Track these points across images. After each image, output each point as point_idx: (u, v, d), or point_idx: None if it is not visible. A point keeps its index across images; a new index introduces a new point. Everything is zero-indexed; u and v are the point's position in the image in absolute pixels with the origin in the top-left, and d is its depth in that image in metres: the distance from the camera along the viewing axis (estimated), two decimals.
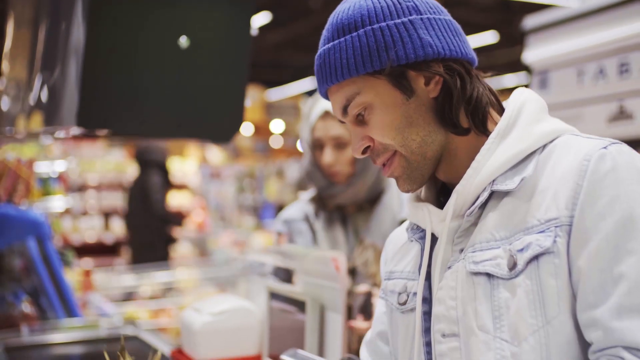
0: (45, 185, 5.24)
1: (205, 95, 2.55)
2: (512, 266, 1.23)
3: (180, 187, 9.89)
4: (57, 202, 5.74)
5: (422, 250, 1.41)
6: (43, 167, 5.44)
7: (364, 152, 1.39)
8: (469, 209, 1.32)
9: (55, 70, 2.61)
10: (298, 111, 16.32)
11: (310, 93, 18.51)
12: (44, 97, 2.74)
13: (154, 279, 5.36)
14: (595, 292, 1.16)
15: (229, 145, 17.19)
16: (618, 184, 1.18)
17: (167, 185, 7.83)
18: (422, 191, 1.46)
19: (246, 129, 19.91)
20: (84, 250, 8.44)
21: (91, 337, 3.92)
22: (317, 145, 2.52)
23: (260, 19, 9.50)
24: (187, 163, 10.23)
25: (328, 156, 2.47)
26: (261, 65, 15.79)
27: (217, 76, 2.55)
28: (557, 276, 1.20)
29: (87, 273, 4.96)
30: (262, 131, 19.58)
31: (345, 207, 2.59)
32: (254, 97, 15.25)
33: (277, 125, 19.24)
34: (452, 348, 1.31)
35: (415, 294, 1.43)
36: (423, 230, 1.43)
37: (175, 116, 2.53)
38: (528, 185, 1.27)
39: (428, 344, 1.36)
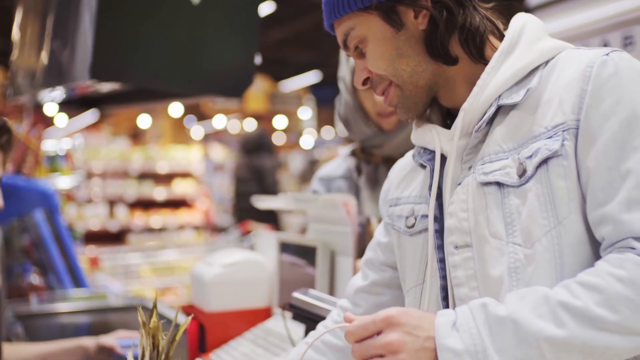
0: (53, 163, 5.27)
1: (216, 50, 2.58)
2: (522, 173, 1.27)
3: (185, 175, 9.92)
4: (64, 180, 5.76)
5: (432, 170, 1.45)
6: (50, 146, 5.47)
7: (364, 84, 1.48)
8: (476, 125, 1.37)
9: (68, 25, 2.64)
10: (301, 101, 16.34)
11: (314, 86, 18.54)
12: (58, 52, 2.77)
13: (160, 257, 5.39)
14: (604, 190, 1.19)
15: (232, 140, 17.26)
16: (621, 86, 1.23)
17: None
18: (430, 116, 1.51)
19: (249, 125, 19.97)
20: (89, 237, 8.45)
21: (99, 306, 3.94)
22: None
23: (265, 9, 9.49)
24: (191, 151, 10.26)
25: (370, 93, 2.23)
26: (264, 62, 15.81)
27: (227, 32, 2.58)
28: (566, 177, 1.24)
29: (93, 248, 4.97)
30: (265, 126, 19.61)
31: (394, 158, 2.35)
32: (258, 88, 15.27)
33: (280, 122, 19.28)
34: (465, 258, 1.34)
35: (423, 216, 1.48)
36: (431, 152, 1.47)
37: (186, 71, 2.57)
38: (533, 98, 1.32)
39: (441, 260, 1.40)
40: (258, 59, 2.65)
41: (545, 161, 1.25)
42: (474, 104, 1.36)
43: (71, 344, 2.35)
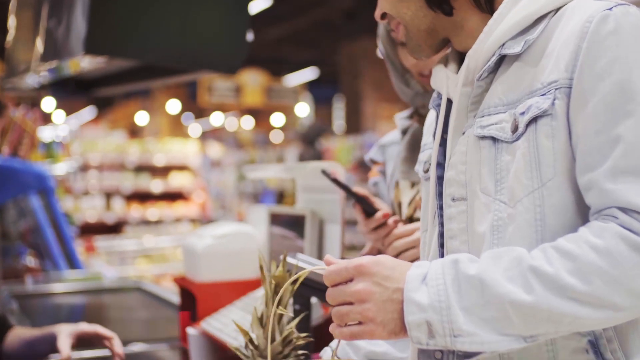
0: (49, 150, 5.32)
1: (208, 26, 2.62)
2: (514, 129, 1.23)
3: (181, 167, 9.97)
4: (60, 167, 5.81)
5: (437, 116, 1.43)
6: (46, 133, 5.51)
7: (382, 18, 1.45)
8: (479, 73, 1.32)
9: (63, 3, 2.69)
10: (298, 95, 16.38)
11: (311, 85, 18.61)
12: (54, 30, 2.82)
13: (155, 244, 5.42)
14: (592, 155, 1.15)
15: (229, 137, 17.31)
16: (619, 45, 1.15)
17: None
18: (448, 60, 1.46)
19: (247, 122, 20.04)
20: (85, 229, 8.49)
21: (94, 287, 3.98)
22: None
23: (261, 4, 9.54)
24: (188, 144, 10.31)
25: (406, 53, 2.07)
26: (262, 60, 15.85)
27: (220, 7, 2.63)
28: (553, 138, 1.19)
29: (89, 240, 5.02)
30: (262, 124, 19.68)
31: None
32: (255, 82, 15.30)
33: (277, 119, 19.34)
34: (460, 211, 1.32)
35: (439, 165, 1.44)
36: (442, 97, 1.44)
37: (179, 45, 2.61)
38: (536, 49, 1.26)
39: (441, 208, 1.38)
40: (250, 36, 2.69)
41: (534, 119, 1.21)
42: (479, 51, 1.31)
43: (47, 332, 2.29)
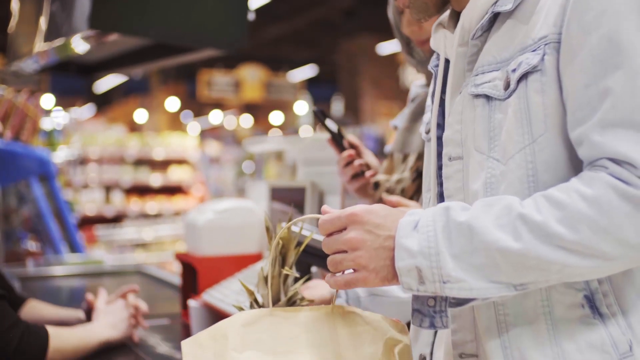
0: (50, 138, 5.35)
1: (210, 4, 2.66)
2: (506, 86, 1.23)
3: (181, 161, 10.00)
4: (61, 154, 5.84)
5: (436, 76, 1.44)
6: (47, 122, 5.54)
7: None
8: (473, 32, 1.31)
9: None
10: (297, 91, 16.40)
11: (310, 84, 18.64)
12: (57, 12, 2.85)
13: (156, 232, 5.46)
14: (582, 108, 1.14)
15: (228, 136, 17.32)
16: None
17: None
18: (447, 21, 1.45)
19: (245, 120, 20.06)
20: (85, 222, 8.52)
21: (94, 270, 4.01)
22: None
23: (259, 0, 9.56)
24: (187, 138, 10.34)
25: (405, 21, 2.11)
26: (260, 58, 15.90)
27: None
28: (543, 93, 1.19)
29: (90, 230, 5.05)
30: (261, 122, 19.71)
31: None
32: (254, 77, 15.33)
33: (276, 117, 19.37)
34: (456, 170, 1.32)
35: (438, 125, 1.45)
36: (445, 61, 1.44)
37: (182, 23, 2.65)
38: (528, 6, 1.25)
39: (440, 168, 1.38)
40: (251, 15, 2.73)
41: (525, 76, 1.20)
42: (473, 10, 1.31)
43: (69, 314, 2.39)
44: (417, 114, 2.17)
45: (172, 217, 9.49)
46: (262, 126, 19.51)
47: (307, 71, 17.78)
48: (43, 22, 3.11)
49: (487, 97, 1.26)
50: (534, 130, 1.19)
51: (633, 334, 1.18)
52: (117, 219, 9.19)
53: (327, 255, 1.24)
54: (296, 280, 1.57)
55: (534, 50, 1.20)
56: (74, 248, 4.24)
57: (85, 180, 9.02)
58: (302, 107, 18.05)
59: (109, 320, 2.19)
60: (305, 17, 14.09)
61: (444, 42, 1.41)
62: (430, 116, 1.48)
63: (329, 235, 1.21)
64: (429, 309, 1.20)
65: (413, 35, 2.10)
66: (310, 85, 19.05)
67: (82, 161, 9.01)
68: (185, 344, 1.24)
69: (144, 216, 9.36)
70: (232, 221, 2.61)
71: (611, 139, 1.10)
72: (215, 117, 19.65)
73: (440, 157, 1.38)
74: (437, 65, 1.45)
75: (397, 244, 1.15)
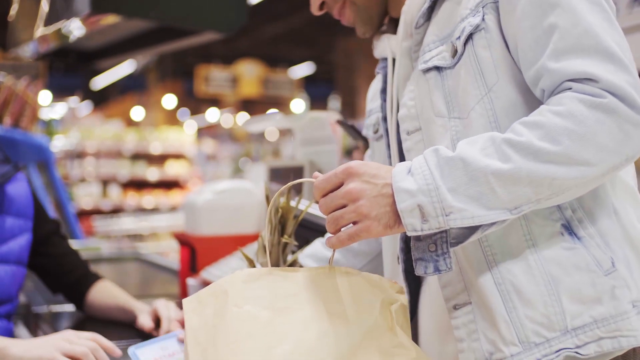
0: (49, 127, 5.37)
1: None
2: (454, 53, 1.33)
3: (178, 156, 10.02)
4: (60, 142, 5.86)
5: (385, 74, 1.54)
6: (45, 113, 5.57)
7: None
8: (416, 21, 1.42)
9: None
10: (294, 86, 16.43)
11: (306, 83, 18.67)
12: None
13: (153, 222, 5.48)
14: (533, 49, 1.24)
15: (224, 134, 17.36)
16: None
17: None
18: (387, 30, 1.57)
19: (242, 118, 20.08)
20: (81, 216, 8.53)
21: (93, 256, 4.02)
22: None
23: None
24: (184, 133, 10.36)
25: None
26: (257, 57, 15.92)
27: None
28: (490, 48, 1.29)
29: (90, 215, 5.06)
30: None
31: None
32: (252, 73, 15.36)
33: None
34: (416, 141, 1.40)
35: (383, 119, 1.56)
36: (386, 60, 1.55)
37: (182, 4, 2.68)
38: None
39: (402, 149, 1.48)
40: None
41: (470, 37, 1.31)
42: (412, 4, 1.42)
43: (129, 306, 2.22)
44: None
45: (169, 212, 9.51)
46: None
47: (305, 69, 17.81)
48: (45, 5, 3.14)
49: (438, 68, 1.36)
50: (487, 81, 1.29)
51: (612, 252, 1.26)
52: (114, 213, 9.21)
53: (322, 228, 1.26)
54: (295, 249, 1.60)
55: (474, 15, 1.30)
56: (73, 235, 4.26)
57: (82, 174, 9.04)
58: (299, 104, 18.08)
59: (34, 343, 1.74)
60: (303, 15, 14.12)
61: (388, 44, 1.51)
62: (375, 117, 1.60)
63: (325, 195, 1.24)
64: (431, 254, 1.25)
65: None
66: (307, 83, 19.08)
67: (79, 155, 9.03)
68: (186, 301, 1.27)
69: (141, 210, 9.37)
70: (231, 201, 2.63)
71: (567, 63, 1.20)
72: (212, 115, 19.67)
73: (399, 141, 1.47)
74: (384, 66, 1.55)
75: (396, 188, 1.20)
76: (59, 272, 2.27)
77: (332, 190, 1.23)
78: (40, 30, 3.26)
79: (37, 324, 2.43)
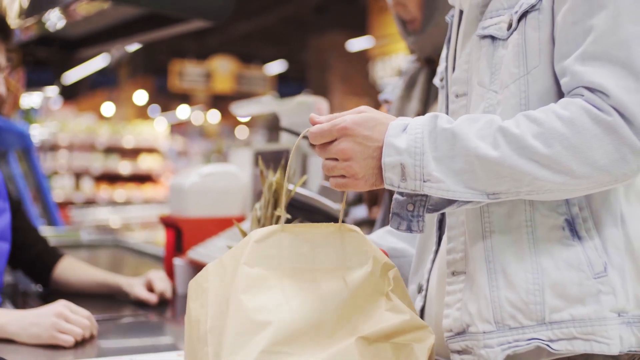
0: (28, 116, 5.38)
1: None
2: (509, 26, 1.34)
3: (151, 150, 10.02)
4: (39, 131, 5.86)
5: (451, 25, 1.56)
6: (24, 101, 5.56)
7: None
8: None
9: None
10: (267, 83, 16.45)
11: (278, 82, 18.68)
12: None
13: (129, 213, 5.51)
14: (568, 43, 1.25)
15: (196, 129, 17.32)
16: None
17: None
18: None
19: (213, 115, 20.06)
20: None
21: (72, 243, 4.03)
22: None
23: None
24: (156, 126, 10.36)
25: (392, 1, 2.19)
26: (230, 55, 15.91)
27: None
28: (539, 29, 1.30)
29: (63, 207, 5.07)
30: (229, 117, 19.70)
31: (433, 59, 2.19)
32: (225, 68, 15.36)
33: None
34: (461, 106, 1.42)
35: (445, 69, 1.57)
36: (460, 12, 1.55)
37: None
38: None
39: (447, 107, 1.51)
40: None
41: (524, 14, 1.31)
42: None
43: (112, 280, 2.34)
44: (410, 84, 2.31)
45: (142, 205, 9.51)
46: (229, 121, 19.51)
47: (277, 67, 17.82)
48: None
49: (492, 38, 1.37)
50: (528, 63, 1.30)
51: (608, 258, 1.27)
52: (86, 205, 9.19)
53: (314, 210, 1.31)
54: (287, 222, 1.67)
55: None
56: (53, 223, 4.28)
57: (55, 167, 9.02)
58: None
59: (29, 319, 1.77)
60: (275, 14, 14.16)
61: None
62: (443, 66, 1.59)
63: (321, 145, 1.30)
64: (408, 213, 1.29)
65: (399, 14, 2.23)
66: (279, 82, 19.11)
67: (52, 147, 9.01)
68: (210, 265, 1.32)
69: (114, 204, 9.37)
70: (217, 184, 2.70)
71: (589, 70, 1.21)
72: (183, 111, 19.62)
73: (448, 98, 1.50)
74: (452, 16, 1.56)
75: (386, 141, 1.25)
76: (19, 245, 2.28)
77: (326, 142, 1.29)
78: (18, 21, 3.26)
79: (25, 302, 2.46)
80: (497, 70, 1.35)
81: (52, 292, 2.38)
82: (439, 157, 1.22)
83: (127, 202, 9.46)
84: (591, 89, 1.20)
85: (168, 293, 2.28)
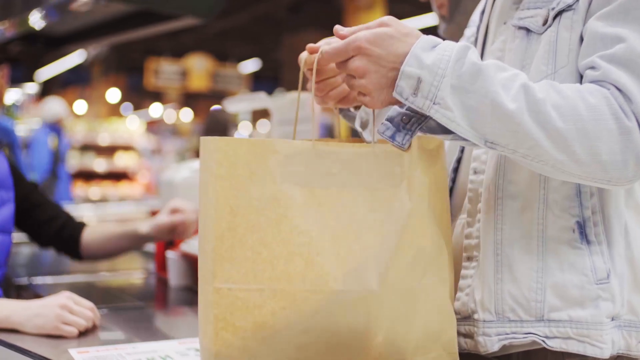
0: (9, 111, 5.36)
1: None
2: (545, 22, 1.33)
3: (127, 148, 10.00)
4: (20, 128, 5.84)
5: (484, 6, 1.55)
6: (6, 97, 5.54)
7: None
8: None
9: None
10: (242, 81, 16.45)
11: (252, 81, 18.69)
12: None
13: (110, 210, 5.52)
14: (596, 43, 1.24)
15: (169, 128, 17.28)
16: None
17: None
18: None
19: (186, 114, 20.01)
20: None
21: None
22: None
23: None
24: (129, 124, 10.33)
25: None
26: (204, 53, 15.90)
27: None
28: (572, 30, 1.29)
29: None
30: (202, 116, 19.66)
31: None
32: (201, 66, 15.34)
33: None
34: None
35: (475, 40, 1.56)
36: None
37: None
38: None
39: None
40: None
41: (560, 13, 1.31)
42: None
43: (128, 229, 2.37)
44: None
45: (118, 203, 9.47)
46: (202, 120, 19.48)
47: (250, 66, 17.83)
48: None
49: (527, 30, 1.37)
50: (557, 62, 1.30)
51: (613, 265, 1.29)
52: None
53: None
54: None
55: None
56: None
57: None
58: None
59: (34, 310, 1.78)
60: (250, 12, 14.16)
61: None
62: (471, 32, 1.61)
63: (339, 62, 1.27)
64: (399, 123, 1.27)
65: None
66: (253, 80, 19.11)
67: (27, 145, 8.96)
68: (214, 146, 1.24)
69: (89, 201, 9.32)
70: None
71: (617, 70, 1.20)
72: (155, 110, 19.55)
73: None
74: None
75: (413, 52, 1.21)
76: (43, 221, 2.32)
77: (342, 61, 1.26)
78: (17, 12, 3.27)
79: (18, 295, 2.48)
80: (527, 64, 1.35)
81: (42, 284, 2.40)
82: (457, 86, 1.19)
83: (103, 200, 9.43)
84: (618, 88, 1.19)
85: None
